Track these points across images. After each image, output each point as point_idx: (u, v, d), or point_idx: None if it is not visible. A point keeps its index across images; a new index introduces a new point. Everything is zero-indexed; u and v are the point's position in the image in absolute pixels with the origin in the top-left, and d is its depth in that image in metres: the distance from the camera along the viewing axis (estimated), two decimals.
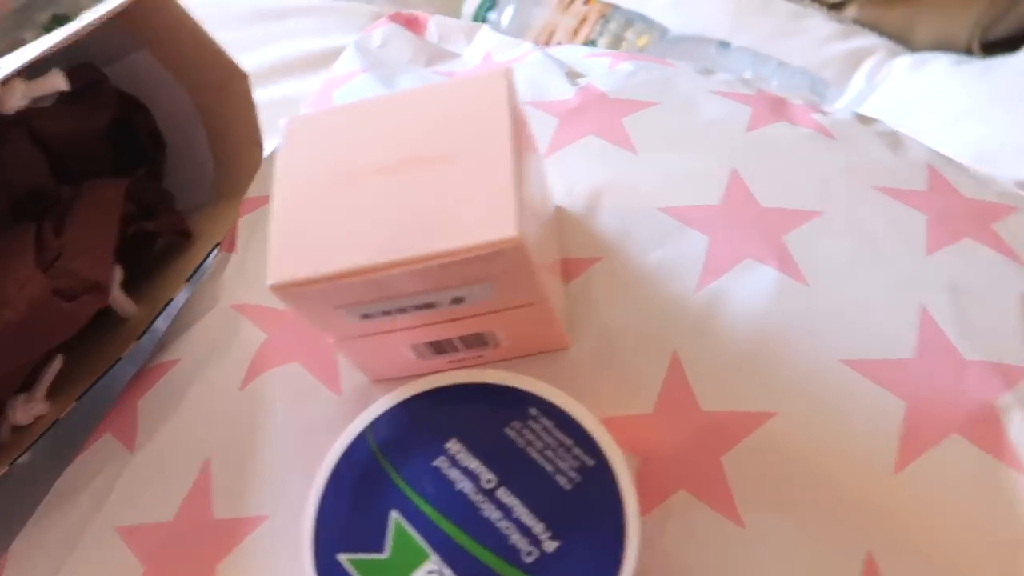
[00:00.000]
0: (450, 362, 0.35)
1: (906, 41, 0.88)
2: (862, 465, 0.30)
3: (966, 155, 0.62)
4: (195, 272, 0.44)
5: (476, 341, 0.33)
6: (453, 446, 0.29)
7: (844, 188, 0.37)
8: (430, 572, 0.27)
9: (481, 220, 0.27)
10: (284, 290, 0.27)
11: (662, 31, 0.86)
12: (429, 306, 0.29)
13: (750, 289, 0.34)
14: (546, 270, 0.31)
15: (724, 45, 0.80)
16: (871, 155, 0.39)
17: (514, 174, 0.27)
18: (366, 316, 0.29)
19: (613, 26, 0.86)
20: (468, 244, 0.26)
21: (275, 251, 0.28)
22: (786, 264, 0.35)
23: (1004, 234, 0.36)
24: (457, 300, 0.29)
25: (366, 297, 0.28)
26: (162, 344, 0.41)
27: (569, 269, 0.36)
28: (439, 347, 0.33)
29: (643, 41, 0.87)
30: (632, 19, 0.88)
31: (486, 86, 0.29)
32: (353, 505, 0.28)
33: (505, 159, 0.28)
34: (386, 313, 0.29)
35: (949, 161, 0.40)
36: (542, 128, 0.41)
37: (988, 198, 0.38)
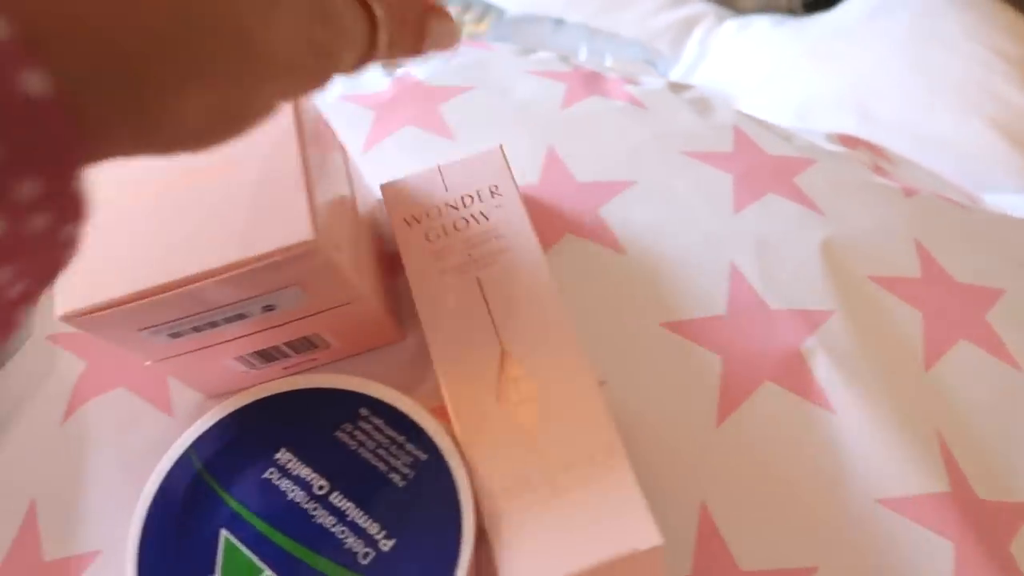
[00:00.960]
0: (284, 369, 0.34)
1: (733, 4, 0.92)
2: (687, 421, 0.32)
3: (787, 111, 0.66)
4: None
5: (304, 345, 0.32)
6: (283, 456, 0.28)
7: (654, 156, 0.39)
8: None
9: (275, 225, 0.26)
10: (77, 320, 0.26)
11: (499, 13, 0.87)
12: (240, 316, 0.28)
13: (570, 265, 0.35)
14: (364, 267, 0.31)
15: (559, 23, 0.82)
16: (679, 122, 0.41)
17: (304, 174, 0.27)
18: (175, 335, 0.28)
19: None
20: (262, 252, 0.26)
21: (62, 281, 0.27)
22: (603, 236, 0.36)
23: (804, 186, 0.38)
24: (268, 308, 0.28)
25: (168, 316, 0.27)
26: None
27: (397, 263, 0.36)
28: (267, 355, 0.32)
29: (483, 26, 0.87)
30: (469, 3, 0.89)
31: None
32: (179, 530, 0.27)
33: (293, 159, 0.27)
34: (196, 329, 0.28)
35: (755, 121, 0.42)
36: (358, 123, 0.41)
37: (790, 153, 0.40)
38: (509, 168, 0.33)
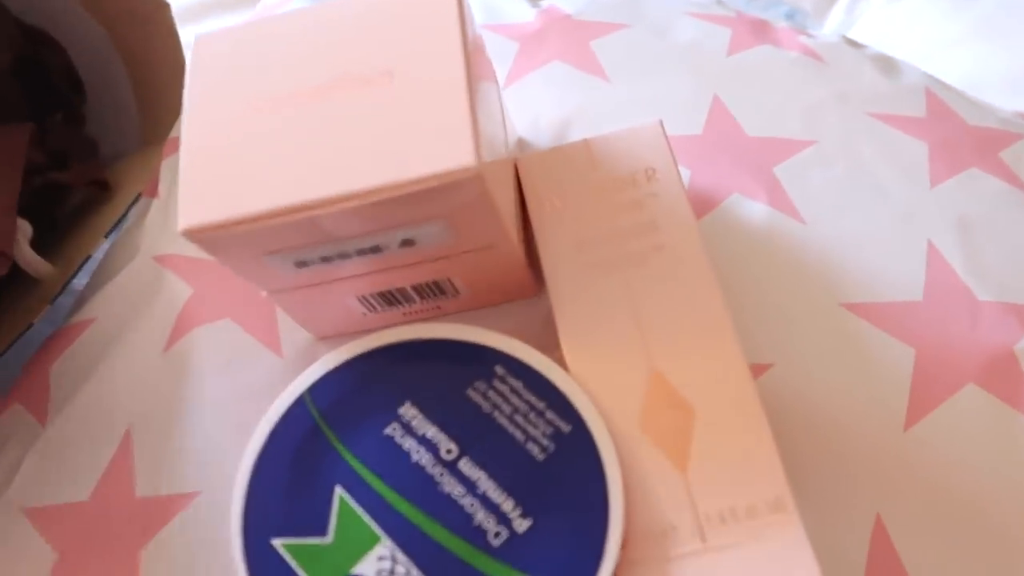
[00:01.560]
0: (404, 315, 0.31)
1: None
2: (869, 421, 0.27)
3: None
4: (116, 226, 0.39)
5: (432, 290, 0.29)
6: (407, 411, 0.25)
7: (837, 115, 0.34)
8: (381, 559, 0.23)
9: (432, 148, 0.22)
10: (199, 235, 0.23)
11: None
12: (375, 250, 0.25)
13: (739, 226, 0.30)
14: (506, 200, 0.27)
15: None
16: (864, 79, 0.36)
17: (469, 93, 0.23)
18: (301, 264, 0.25)
19: None
20: (417, 176, 0.22)
21: (186, 189, 0.23)
22: (777, 198, 0.31)
23: (1011, 162, 0.33)
24: (407, 242, 0.25)
25: (299, 241, 0.24)
26: (78, 302, 0.36)
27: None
28: (390, 298, 0.29)
29: None
30: None
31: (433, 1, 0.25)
32: (291, 482, 0.24)
33: (458, 76, 0.23)
34: (325, 260, 0.25)
35: (947, 86, 0.37)
36: (500, 55, 0.37)
37: (993, 124, 0.35)
38: (670, 148, 0.28)
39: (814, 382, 0.28)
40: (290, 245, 0.24)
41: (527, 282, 0.30)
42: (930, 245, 0.30)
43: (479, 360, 0.26)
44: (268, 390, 0.30)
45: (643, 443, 0.24)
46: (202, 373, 0.31)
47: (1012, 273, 0.29)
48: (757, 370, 0.28)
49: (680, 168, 0.32)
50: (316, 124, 0.23)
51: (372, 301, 0.29)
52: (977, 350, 0.28)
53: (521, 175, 0.29)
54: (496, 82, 0.30)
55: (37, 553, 0.29)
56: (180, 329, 0.32)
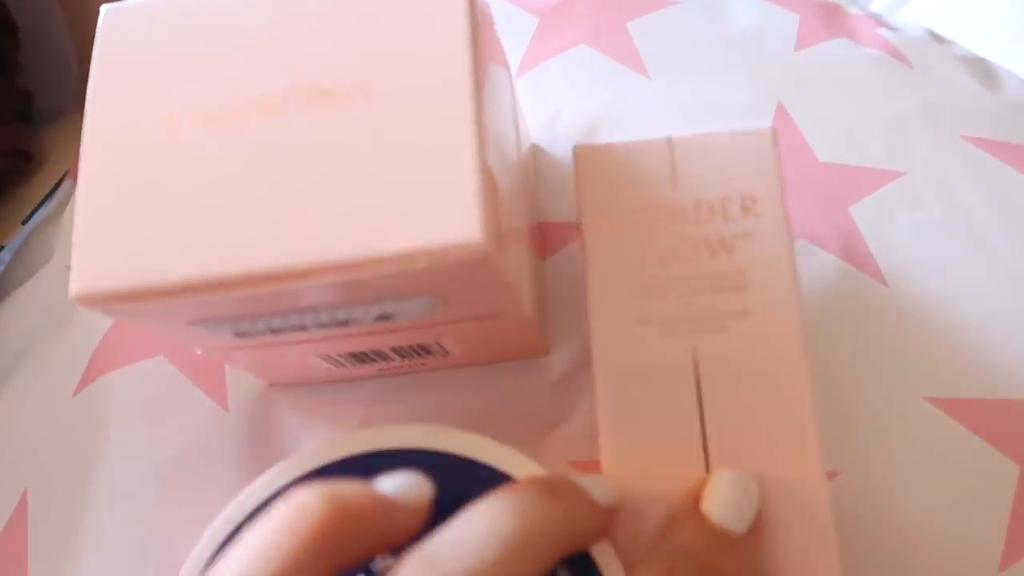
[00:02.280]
0: (380, 370, 0.25)
1: None
2: (954, 557, 0.22)
3: None
4: (36, 210, 0.32)
5: (417, 351, 0.23)
6: (383, 564, 0.19)
7: (926, 137, 0.27)
8: None
9: (421, 207, 0.16)
10: (100, 305, 0.17)
11: None
12: (341, 324, 0.19)
13: (804, 285, 0.24)
14: (517, 252, 0.20)
15: None
16: (957, 90, 0.29)
17: (476, 123, 0.16)
18: (243, 334, 0.19)
19: None
20: (398, 250, 0.16)
21: (83, 239, 0.17)
22: (853, 248, 0.25)
23: None
24: (383, 317, 0.19)
25: (237, 314, 0.18)
26: None
27: (547, 239, 0.26)
28: (363, 358, 0.23)
29: None
30: None
31: None
32: None
33: (461, 95, 0.17)
34: (274, 332, 0.19)
35: None
36: (514, 32, 0.30)
37: None
38: (780, 170, 0.21)
39: (888, 500, 0.22)
40: (226, 317, 0.18)
41: (534, 342, 0.24)
42: None
43: (470, 480, 0.19)
44: (205, 454, 0.24)
45: None
46: (122, 426, 0.25)
47: None
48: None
49: None
50: (261, 155, 0.17)
51: (340, 359, 0.23)
52: None
53: (577, 173, 0.22)
54: (508, 69, 0.23)
55: None
56: (96, 367, 0.26)
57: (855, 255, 0.25)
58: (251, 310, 0.17)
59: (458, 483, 0.19)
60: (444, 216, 0.16)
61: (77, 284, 0.16)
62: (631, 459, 0.20)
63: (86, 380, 0.26)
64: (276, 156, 0.17)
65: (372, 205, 0.16)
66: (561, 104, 0.28)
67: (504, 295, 0.19)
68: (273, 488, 0.19)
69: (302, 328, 0.19)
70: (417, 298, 0.18)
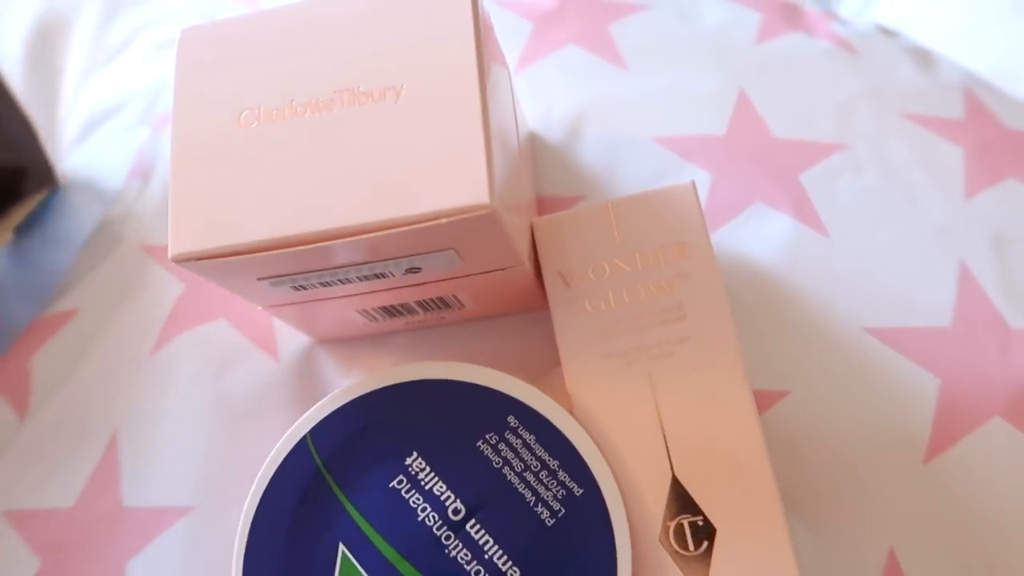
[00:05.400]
0: (406, 324, 0.29)
1: None
2: (888, 453, 0.26)
3: (985, 71, 0.56)
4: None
5: (437, 304, 0.27)
6: (415, 463, 0.24)
7: (870, 116, 0.32)
8: None
9: (442, 179, 0.21)
10: (192, 263, 0.21)
11: None
12: (378, 276, 0.23)
13: (760, 239, 0.29)
14: (519, 219, 0.25)
15: None
16: (899, 75, 0.34)
17: (483, 114, 0.21)
18: (299, 288, 0.24)
19: None
20: (426, 211, 0.20)
21: (177, 212, 0.22)
22: (803, 209, 0.29)
23: None
24: (413, 270, 0.23)
25: (297, 269, 0.22)
26: (60, 288, 0.34)
27: (545, 210, 0.31)
28: (393, 311, 0.27)
29: None
30: None
31: None
32: (292, 534, 0.23)
33: (471, 93, 0.21)
34: (324, 284, 0.24)
35: (986, 84, 0.35)
36: (513, 35, 0.34)
37: None
38: (703, 216, 0.25)
39: (832, 411, 0.26)
40: (288, 272, 0.22)
41: (536, 296, 0.28)
42: (962, 265, 0.28)
43: (491, 407, 0.24)
44: (263, 400, 0.29)
45: (661, 557, 0.23)
46: (193, 378, 0.29)
47: None
48: (773, 397, 0.27)
49: (700, 171, 0.30)
50: (315, 144, 0.21)
51: (374, 313, 0.27)
52: (1005, 381, 0.26)
53: (537, 242, 0.26)
54: (507, 68, 0.28)
55: (17, 559, 0.28)
56: (169, 330, 0.30)
57: (804, 214, 0.29)
58: (307, 266, 0.22)
59: (471, 406, 0.24)
60: (460, 185, 0.20)
61: (175, 247, 0.21)
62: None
63: (161, 342, 0.30)
64: (327, 144, 0.21)
65: (403, 179, 0.21)
66: (554, 97, 0.33)
67: (508, 251, 0.23)
68: (328, 411, 0.24)
69: (347, 281, 0.23)
70: (440, 252, 0.22)
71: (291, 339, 0.30)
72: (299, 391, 0.29)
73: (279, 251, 0.21)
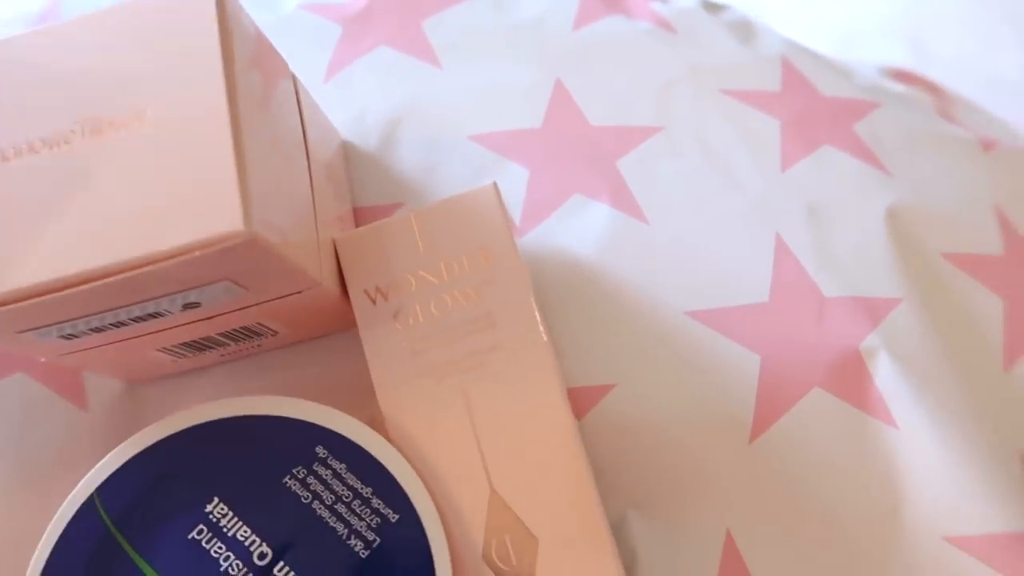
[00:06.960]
0: (221, 356, 0.28)
1: None
2: (715, 437, 0.26)
3: (831, 39, 0.57)
4: None
5: (245, 334, 0.26)
6: (216, 509, 0.22)
7: (687, 95, 0.31)
8: None
9: (193, 208, 0.19)
10: None
11: None
12: (153, 316, 0.22)
13: (578, 232, 0.28)
14: (310, 238, 0.23)
15: None
16: (718, 51, 0.33)
17: (233, 135, 0.20)
18: (68, 336, 0.22)
19: None
20: (177, 245, 0.19)
21: None
22: (620, 197, 0.29)
23: (866, 135, 0.31)
24: (191, 305, 0.22)
25: (53, 319, 0.20)
26: None
27: (363, 221, 0.29)
28: (197, 346, 0.26)
29: None
30: None
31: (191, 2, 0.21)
32: None
33: (218, 113, 0.20)
34: (96, 330, 0.22)
35: (806, 52, 0.35)
36: (321, 41, 0.33)
37: (849, 94, 0.33)
38: (506, 219, 0.24)
39: (659, 399, 0.26)
40: (44, 323, 0.21)
41: (349, 314, 0.27)
42: (778, 239, 0.28)
43: (298, 439, 0.23)
44: (71, 455, 0.27)
45: (485, 574, 0.22)
46: None
47: (862, 263, 0.28)
48: (600, 392, 0.26)
49: (517, 167, 0.29)
50: (54, 180, 0.20)
51: (178, 351, 0.26)
52: (823, 351, 0.26)
53: (340, 260, 0.25)
54: (290, 79, 0.26)
55: None
56: None
57: (622, 201, 0.29)
58: (65, 315, 0.20)
59: (275, 441, 0.23)
60: (212, 212, 0.19)
61: None
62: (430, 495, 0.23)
63: None
64: (68, 181, 0.20)
65: (154, 213, 0.19)
66: (367, 102, 0.31)
67: (293, 274, 0.22)
68: (115, 466, 0.22)
69: (121, 324, 0.22)
70: (214, 285, 0.21)
71: (100, 384, 0.28)
72: (112, 439, 0.27)
73: (23, 303, 0.19)
